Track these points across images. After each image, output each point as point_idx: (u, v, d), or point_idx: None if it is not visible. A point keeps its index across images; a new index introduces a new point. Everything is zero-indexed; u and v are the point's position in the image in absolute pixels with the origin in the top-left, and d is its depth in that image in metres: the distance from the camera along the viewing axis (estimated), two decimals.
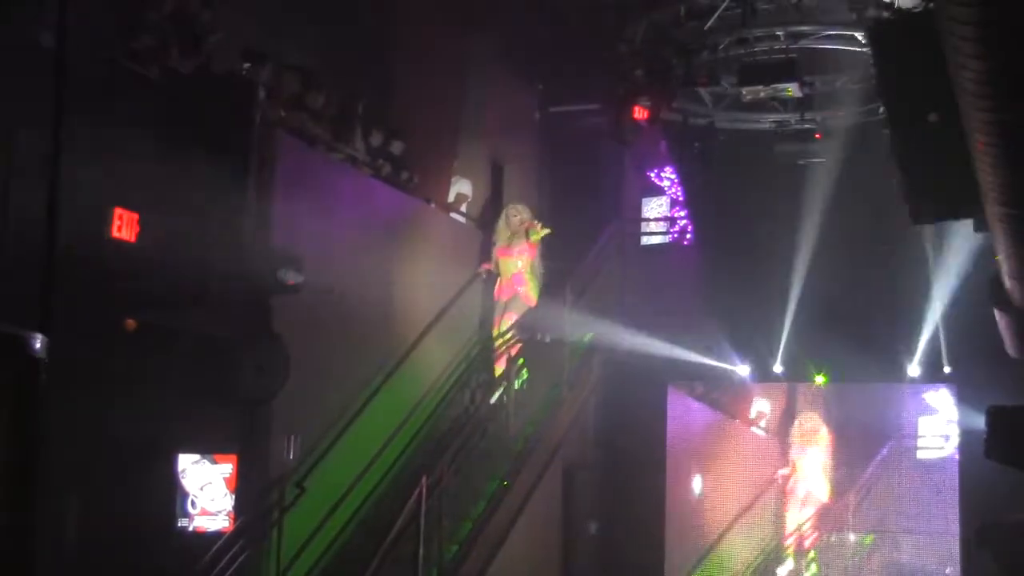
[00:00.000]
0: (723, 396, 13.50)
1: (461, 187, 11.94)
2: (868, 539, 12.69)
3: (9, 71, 6.23)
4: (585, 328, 11.73)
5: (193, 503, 8.09)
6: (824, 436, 13.08)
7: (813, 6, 10.81)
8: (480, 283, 11.36)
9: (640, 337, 12.43)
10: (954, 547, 11.99)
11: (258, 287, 8.18)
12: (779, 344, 12.66)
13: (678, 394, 13.53)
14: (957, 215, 7.00)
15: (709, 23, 10.80)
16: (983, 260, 8.93)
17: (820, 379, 13.28)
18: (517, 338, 10.63)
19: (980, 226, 7.35)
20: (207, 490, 8.17)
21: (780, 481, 13.18)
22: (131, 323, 7.53)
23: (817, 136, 12.06)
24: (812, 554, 12.95)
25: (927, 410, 12.59)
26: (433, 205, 11.25)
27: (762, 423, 13.36)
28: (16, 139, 5.91)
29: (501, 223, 11.02)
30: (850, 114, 11.94)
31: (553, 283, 11.91)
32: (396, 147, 10.75)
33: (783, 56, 10.79)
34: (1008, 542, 4.17)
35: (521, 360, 10.40)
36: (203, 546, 7.83)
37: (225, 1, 8.67)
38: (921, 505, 12.42)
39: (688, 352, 12.56)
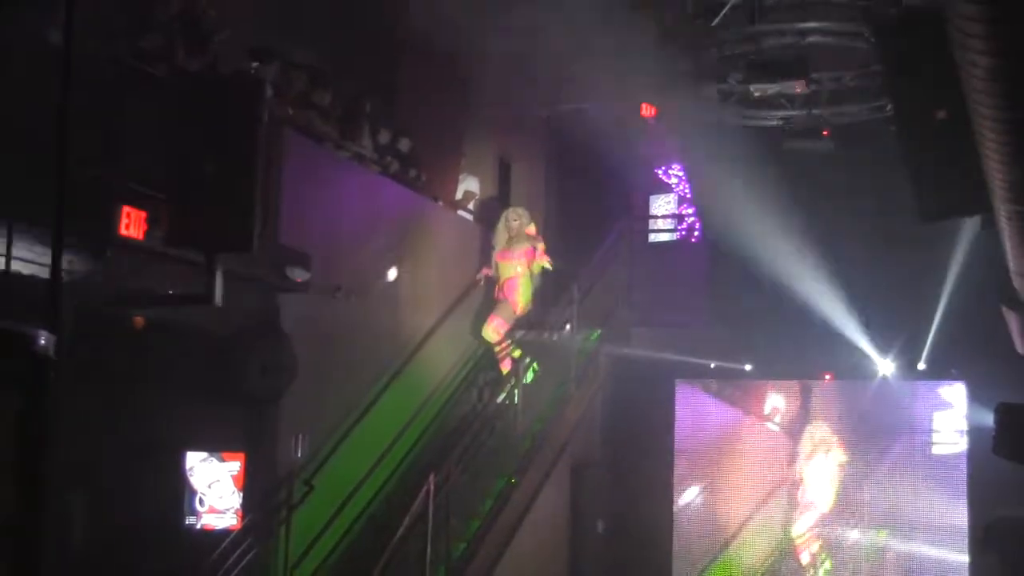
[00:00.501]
0: (736, 392, 13.44)
1: (469, 185, 11.94)
2: (882, 533, 12.65)
3: (17, 69, 6.25)
4: (592, 325, 11.73)
5: (201, 501, 8.10)
6: (834, 446, 13.02)
7: (821, 2, 10.78)
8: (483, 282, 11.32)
9: (648, 334, 12.45)
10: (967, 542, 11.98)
11: (266, 285, 8.19)
12: (787, 340, 12.61)
13: (690, 390, 13.48)
14: (965, 212, 6.98)
15: (716, 20, 10.77)
16: (992, 257, 8.88)
17: (827, 376, 13.24)
18: (513, 345, 10.60)
19: (988, 223, 7.33)
20: (215, 488, 8.18)
21: (788, 488, 13.13)
22: (138, 321, 7.54)
23: (825, 133, 12.03)
24: (824, 554, 12.90)
25: (941, 405, 12.54)
26: (441, 203, 11.25)
27: (776, 419, 13.31)
28: (25, 137, 5.91)
29: (500, 226, 10.97)
30: (858, 111, 11.90)
31: (560, 281, 11.91)
32: (404, 145, 10.75)
33: (791, 53, 10.76)
34: (1015, 542, 4.15)
35: (530, 359, 10.39)
36: (211, 544, 7.85)
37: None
38: (935, 500, 12.38)
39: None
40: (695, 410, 13.48)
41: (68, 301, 3.52)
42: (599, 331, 11.85)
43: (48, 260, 3.57)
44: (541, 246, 11.00)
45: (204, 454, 8.14)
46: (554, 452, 10.71)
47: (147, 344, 7.50)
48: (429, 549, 8.46)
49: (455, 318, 10.93)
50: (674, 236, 14.57)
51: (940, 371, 12.51)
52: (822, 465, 13.04)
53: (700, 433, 13.42)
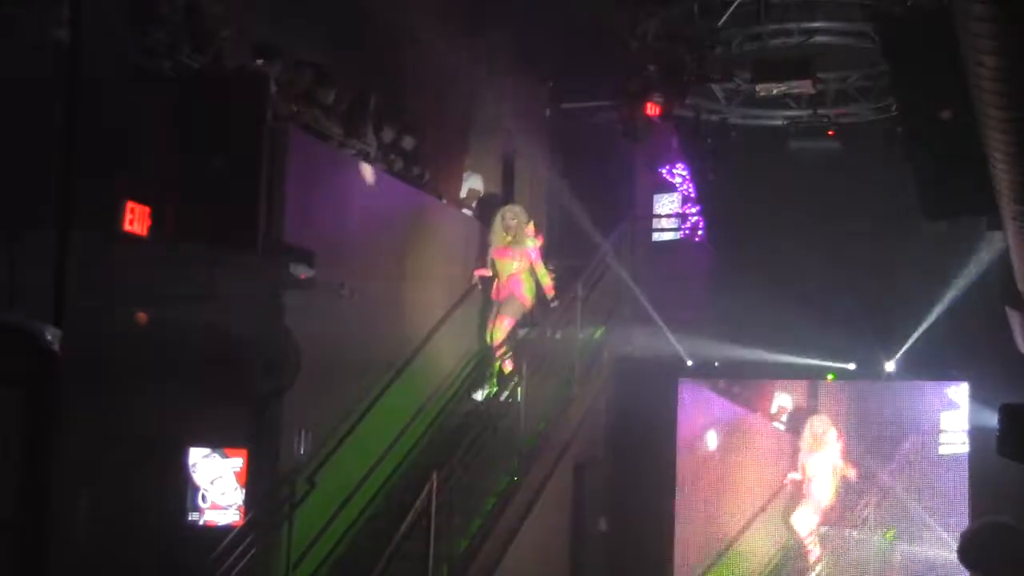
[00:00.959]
0: (743, 391, 13.42)
1: (473, 183, 11.93)
2: (889, 534, 12.63)
3: (22, 66, 6.25)
4: (596, 324, 11.72)
5: (204, 497, 8.09)
6: (833, 441, 13.00)
7: (826, 1, 10.77)
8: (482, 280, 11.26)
9: (651, 333, 12.44)
10: None
11: (269, 282, 8.19)
12: (790, 340, 12.60)
13: (695, 388, 13.45)
14: (971, 213, 6.97)
15: (722, 19, 10.76)
16: (996, 257, 8.88)
17: (829, 377, 13.23)
18: (513, 349, 10.56)
19: (994, 224, 7.32)
20: (218, 484, 8.16)
21: (790, 486, 13.11)
22: (142, 317, 7.54)
23: (830, 132, 12.02)
24: (828, 555, 12.88)
25: (949, 405, 12.51)
26: (444, 201, 11.24)
27: (783, 418, 13.29)
28: (29, 134, 5.92)
29: (497, 224, 10.90)
30: (864, 111, 11.90)
31: (564, 280, 11.91)
32: (408, 142, 10.74)
33: (797, 52, 10.75)
34: (998, 558, 4.09)
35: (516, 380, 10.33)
36: (213, 540, 7.84)
37: None
38: (943, 500, 12.36)
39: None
40: (698, 409, 13.46)
41: (72, 297, 3.51)
42: (603, 329, 11.84)
43: (53, 256, 3.56)
44: (538, 245, 10.97)
45: (207, 450, 8.13)
46: (557, 451, 10.70)
47: (151, 340, 7.49)
48: (431, 547, 8.45)
49: (459, 316, 10.92)
50: (677, 235, 14.57)
51: (942, 372, 12.49)
52: (824, 459, 13.02)
53: (703, 432, 13.40)
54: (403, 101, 11.07)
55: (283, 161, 8.34)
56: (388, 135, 10.47)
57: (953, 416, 12.45)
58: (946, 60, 5.94)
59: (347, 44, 10.45)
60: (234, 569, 7.78)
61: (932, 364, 12.25)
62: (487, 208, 11.61)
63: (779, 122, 12.39)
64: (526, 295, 10.81)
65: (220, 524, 8.04)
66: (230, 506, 8.10)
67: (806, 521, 13.00)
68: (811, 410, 13.21)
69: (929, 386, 12.68)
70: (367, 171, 9.71)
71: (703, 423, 13.43)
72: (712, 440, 13.39)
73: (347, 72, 10.12)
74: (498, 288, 10.91)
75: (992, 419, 9.07)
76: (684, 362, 12.93)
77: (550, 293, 10.93)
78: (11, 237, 5.85)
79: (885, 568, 12.60)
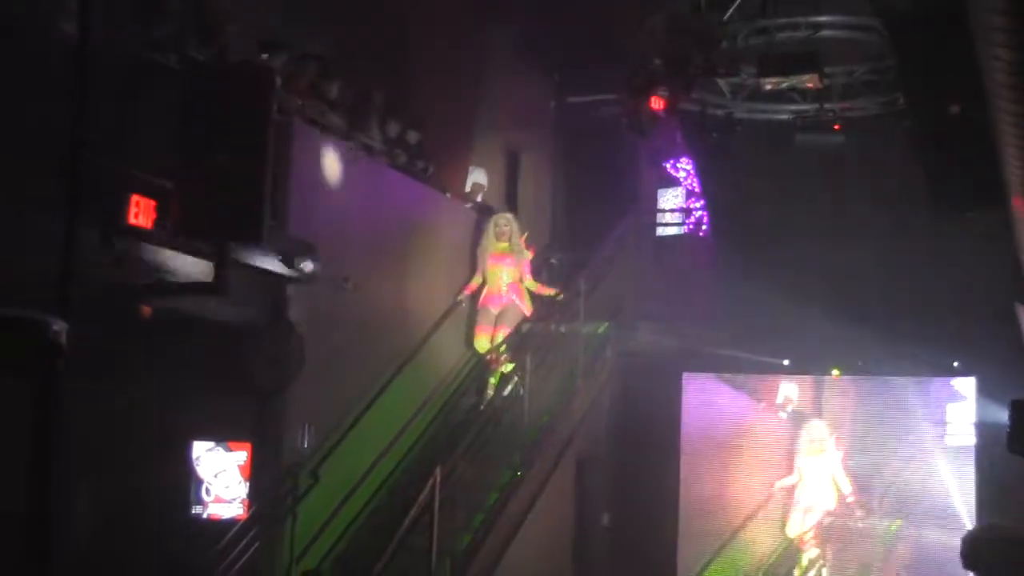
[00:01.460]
0: (749, 380, 13.38)
1: (477, 177, 11.90)
2: (894, 526, 12.62)
3: (29, 57, 6.23)
4: (599, 318, 11.70)
5: (207, 490, 8.09)
6: (832, 448, 12.98)
7: None
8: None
9: (654, 327, 12.42)
10: None
11: (274, 276, 8.17)
12: (795, 335, 12.59)
13: (700, 380, 13.41)
14: (979, 208, 6.95)
15: (728, 13, 10.72)
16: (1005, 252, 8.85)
17: (835, 372, 13.21)
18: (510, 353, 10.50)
19: (1002, 219, 7.30)
20: (221, 477, 8.16)
21: (781, 494, 13.07)
22: (147, 310, 7.53)
23: (836, 127, 11.98)
24: (830, 548, 12.86)
25: (955, 397, 12.50)
26: (449, 195, 11.22)
27: (788, 408, 13.27)
28: (35, 127, 5.90)
29: (490, 232, 10.76)
30: (870, 105, 11.86)
31: (568, 274, 11.87)
32: (412, 136, 10.72)
33: (803, 46, 10.71)
34: (999, 563, 4.09)
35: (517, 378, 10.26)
36: (217, 533, 7.84)
37: None
38: (949, 493, 12.35)
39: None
40: (702, 403, 13.45)
41: (78, 290, 3.50)
42: (606, 324, 11.82)
43: (59, 249, 3.54)
44: (530, 257, 10.88)
45: (211, 444, 8.13)
46: (560, 445, 10.69)
47: (155, 333, 7.48)
48: (435, 541, 8.44)
49: (462, 310, 10.90)
50: (682, 230, 14.55)
51: (949, 366, 12.48)
52: (820, 464, 13.00)
53: (707, 426, 13.39)
54: (408, 95, 11.04)
55: (288, 155, 8.33)
56: (393, 129, 10.45)
57: (959, 408, 12.43)
58: (954, 54, 5.92)
59: (352, 38, 10.42)
60: (238, 563, 7.78)
61: (939, 358, 12.24)
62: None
63: (785, 116, 12.35)
64: (527, 305, 10.72)
65: (224, 517, 8.04)
66: (234, 499, 8.10)
67: (804, 523, 12.98)
68: (817, 403, 13.19)
69: (936, 379, 12.66)
70: (368, 165, 9.69)
71: (708, 415, 13.41)
72: (716, 432, 13.36)
73: (352, 66, 10.09)
74: (489, 296, 10.70)
75: (999, 413, 9.07)
76: (688, 356, 12.90)
77: (526, 314, 10.76)
78: (17, 230, 5.83)
79: (890, 560, 12.59)
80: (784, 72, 10.66)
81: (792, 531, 12.98)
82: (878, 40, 10.66)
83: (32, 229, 5.60)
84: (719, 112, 12.38)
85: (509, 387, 10.08)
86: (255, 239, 7.10)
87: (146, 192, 6.91)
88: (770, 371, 13.25)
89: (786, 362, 13.07)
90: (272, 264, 7.99)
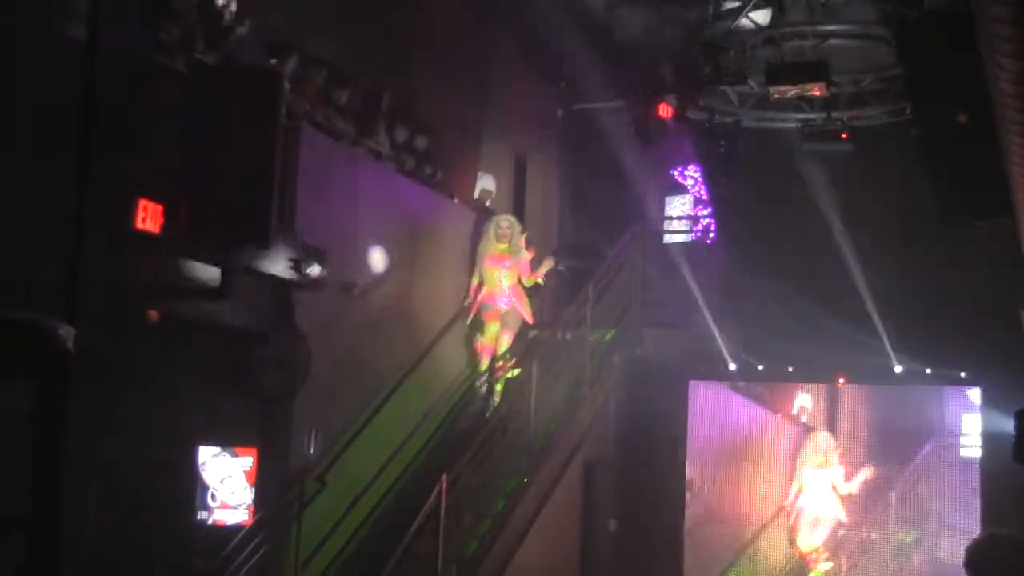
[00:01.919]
0: (763, 390, 13.34)
1: (485, 183, 11.91)
2: (909, 537, 12.57)
3: (36, 61, 6.25)
4: (606, 325, 11.69)
5: (213, 496, 8.08)
6: (836, 461, 12.93)
7: (841, 5, 10.72)
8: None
9: (662, 334, 12.41)
10: None
11: (281, 281, 8.18)
12: (802, 342, 12.55)
13: (711, 388, 13.37)
14: (987, 216, 6.94)
15: (736, 21, 10.73)
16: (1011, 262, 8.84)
17: (841, 380, 13.17)
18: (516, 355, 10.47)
19: (1009, 228, 7.29)
20: (227, 483, 8.15)
21: (788, 506, 13.03)
22: (153, 315, 7.54)
23: (844, 136, 11.97)
24: (838, 561, 12.81)
25: (971, 407, 12.44)
26: (457, 200, 11.23)
27: (803, 419, 13.22)
28: (45, 130, 5.92)
29: (491, 233, 10.69)
30: (878, 114, 11.85)
31: (575, 281, 11.86)
32: (420, 142, 10.73)
33: (811, 55, 10.71)
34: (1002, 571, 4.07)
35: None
36: (223, 539, 7.84)
37: None
38: (964, 503, 12.28)
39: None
40: (709, 411, 13.40)
41: (85, 294, 3.51)
42: (613, 331, 11.82)
43: (66, 254, 3.55)
44: (530, 258, 10.86)
45: (217, 449, 8.12)
46: (567, 452, 10.68)
47: (162, 338, 7.49)
48: (441, 547, 8.44)
49: (467, 314, 10.89)
50: (689, 237, 14.53)
51: (954, 375, 12.43)
52: (825, 477, 12.95)
53: (715, 435, 13.34)
54: (416, 101, 11.06)
55: (296, 159, 8.33)
56: (401, 134, 10.46)
57: (975, 419, 12.37)
58: (962, 63, 5.92)
59: (361, 43, 10.44)
60: (243, 568, 7.78)
61: (944, 367, 12.20)
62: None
63: (792, 125, 12.35)
64: (527, 310, 10.68)
65: (230, 523, 8.03)
66: (240, 505, 8.09)
67: (813, 537, 12.93)
68: (832, 412, 13.14)
69: (949, 389, 12.61)
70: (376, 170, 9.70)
71: (715, 424, 13.36)
72: (724, 441, 13.32)
73: (360, 71, 10.11)
74: (492, 296, 10.64)
75: (1003, 423, 9.04)
76: (694, 363, 12.87)
77: (527, 320, 10.76)
78: (25, 235, 5.84)
79: (905, 571, 12.54)
80: (792, 81, 10.65)
81: (803, 544, 12.93)
82: (886, 49, 10.66)
83: (39, 233, 5.62)
84: (727, 120, 12.38)
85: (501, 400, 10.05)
86: (262, 243, 7.12)
87: (154, 196, 6.92)
88: (776, 379, 13.21)
89: (790, 369, 13.03)
90: (279, 269, 7.99)
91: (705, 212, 14.34)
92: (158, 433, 7.71)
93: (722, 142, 11.97)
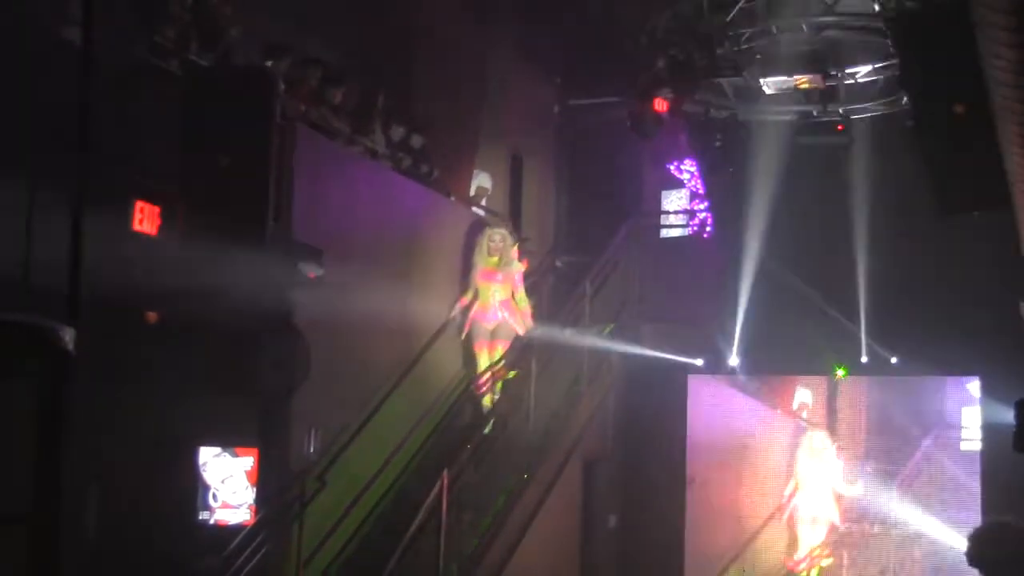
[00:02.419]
0: (762, 386, 13.33)
1: (482, 181, 11.91)
2: (910, 530, 12.57)
3: (31, 64, 6.24)
4: (604, 321, 11.70)
5: (214, 496, 8.09)
6: (832, 458, 12.93)
7: None
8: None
9: (659, 329, 12.41)
10: None
11: (278, 281, 8.17)
12: (799, 336, 12.56)
13: (710, 384, 13.36)
14: (985, 207, 6.94)
15: (731, 14, 10.70)
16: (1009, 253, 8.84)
17: (840, 372, 13.17)
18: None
19: (1007, 219, 7.29)
20: (228, 483, 8.16)
21: (788, 504, 13.02)
22: (152, 316, 7.54)
23: (840, 128, 11.96)
24: (832, 562, 12.81)
25: (970, 400, 12.45)
26: (453, 198, 11.22)
27: (804, 414, 13.22)
28: (39, 134, 5.91)
29: (483, 246, 10.60)
30: (874, 105, 11.84)
31: (572, 277, 11.86)
32: (416, 140, 10.73)
33: (807, 47, 10.69)
34: (1003, 558, 4.07)
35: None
36: (224, 539, 7.84)
37: None
38: (965, 496, 12.29)
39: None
40: (708, 407, 13.40)
41: (84, 296, 3.51)
42: (611, 326, 11.82)
43: (65, 256, 3.54)
44: (522, 269, 10.78)
45: (217, 449, 8.13)
46: (566, 448, 10.69)
47: (160, 339, 7.49)
48: (442, 545, 8.44)
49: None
50: (686, 232, 14.53)
51: (953, 367, 12.43)
52: (821, 475, 12.95)
53: (714, 430, 13.33)
54: (411, 99, 11.05)
55: (291, 159, 8.33)
56: (398, 133, 10.45)
57: (975, 411, 12.38)
58: (959, 54, 5.91)
59: (355, 42, 10.43)
60: (245, 568, 7.78)
61: (943, 359, 12.19)
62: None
63: (789, 117, 12.33)
64: (520, 322, 10.61)
65: (231, 523, 8.04)
66: (241, 505, 8.10)
67: (812, 535, 12.93)
68: (830, 407, 13.14)
69: (950, 381, 12.62)
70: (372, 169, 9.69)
71: (714, 419, 13.35)
72: (724, 437, 13.31)
73: (355, 70, 10.10)
74: (483, 311, 10.56)
75: (1003, 414, 9.04)
76: (692, 358, 12.87)
77: (527, 320, 10.69)
78: (23, 236, 5.84)
79: (908, 563, 12.54)
80: (787, 73, 10.65)
81: (802, 542, 12.92)
82: (882, 40, 10.64)
83: (38, 235, 5.62)
84: (723, 113, 12.36)
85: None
86: (258, 243, 7.10)
87: (150, 198, 6.92)
88: (775, 372, 13.21)
89: (789, 363, 13.03)
90: (277, 268, 7.99)
91: (702, 206, 14.34)
92: (158, 434, 7.71)
93: (718, 136, 11.94)
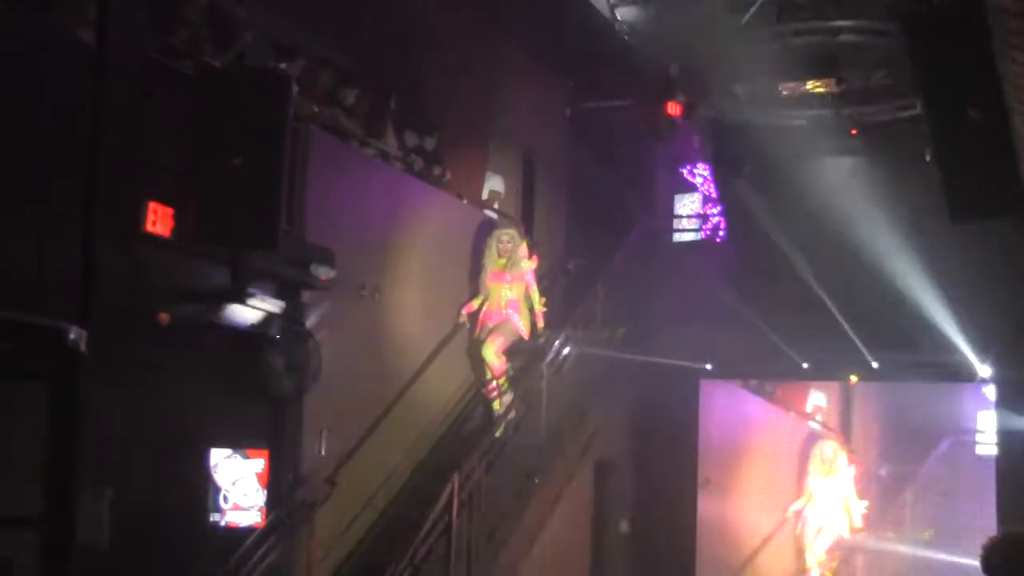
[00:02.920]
0: (776, 389, 13.28)
1: (494, 184, 11.90)
2: (925, 535, 12.51)
3: (46, 65, 6.26)
4: (616, 324, 11.68)
5: (225, 498, 8.11)
6: (844, 467, 12.88)
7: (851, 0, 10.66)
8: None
9: (671, 333, 12.38)
10: None
11: (290, 282, 8.18)
12: (812, 341, 12.51)
13: (719, 385, 13.31)
14: (999, 213, 6.90)
15: (745, 18, 10.67)
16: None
17: (853, 378, 13.12)
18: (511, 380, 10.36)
19: (1022, 224, 7.25)
20: (239, 485, 8.18)
21: (792, 518, 12.98)
22: (164, 317, 7.55)
23: (854, 132, 11.92)
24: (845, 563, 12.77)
25: (987, 404, 12.38)
26: (466, 201, 11.22)
27: (818, 417, 13.16)
28: (53, 136, 5.93)
29: (492, 248, 10.52)
30: (888, 109, 11.79)
31: (584, 280, 11.84)
32: (429, 143, 10.73)
33: (820, 51, 10.65)
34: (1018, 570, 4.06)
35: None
36: (235, 541, 7.85)
37: None
38: (980, 501, 12.21)
39: None
40: (720, 410, 13.36)
41: (96, 297, 3.51)
42: (623, 330, 11.79)
43: (78, 257, 3.55)
44: (532, 267, 10.70)
45: (228, 451, 8.15)
46: (578, 452, 10.67)
47: (173, 341, 7.50)
48: (453, 548, 8.43)
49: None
50: (699, 236, 14.50)
51: (967, 372, 12.37)
52: (833, 486, 12.90)
53: (726, 434, 13.30)
54: (424, 101, 11.06)
55: (304, 161, 8.34)
56: (409, 136, 10.46)
57: (991, 416, 12.31)
58: (972, 58, 5.89)
59: (368, 45, 10.44)
60: (256, 570, 7.79)
61: (959, 364, 12.13)
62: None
63: (802, 121, 12.29)
64: (522, 326, 10.54)
65: (242, 525, 8.05)
66: (252, 507, 8.12)
67: (819, 545, 12.89)
68: (847, 411, 13.10)
69: (965, 386, 12.55)
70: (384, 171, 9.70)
71: (726, 422, 13.32)
72: (738, 440, 13.28)
73: (368, 73, 10.11)
74: (488, 313, 10.47)
75: (1019, 420, 8.98)
76: (704, 362, 12.84)
77: (539, 320, 10.65)
78: (37, 238, 5.85)
79: (922, 568, 12.48)
80: (801, 77, 10.61)
81: (813, 551, 12.88)
82: (896, 44, 10.59)
83: (50, 237, 5.63)
84: (736, 118, 12.32)
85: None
86: (271, 245, 7.12)
87: (164, 199, 6.94)
88: (787, 377, 13.16)
89: (805, 365, 12.98)
90: (289, 270, 8.00)
91: (715, 210, 14.31)
92: (170, 435, 7.73)
93: (731, 140, 11.91)
